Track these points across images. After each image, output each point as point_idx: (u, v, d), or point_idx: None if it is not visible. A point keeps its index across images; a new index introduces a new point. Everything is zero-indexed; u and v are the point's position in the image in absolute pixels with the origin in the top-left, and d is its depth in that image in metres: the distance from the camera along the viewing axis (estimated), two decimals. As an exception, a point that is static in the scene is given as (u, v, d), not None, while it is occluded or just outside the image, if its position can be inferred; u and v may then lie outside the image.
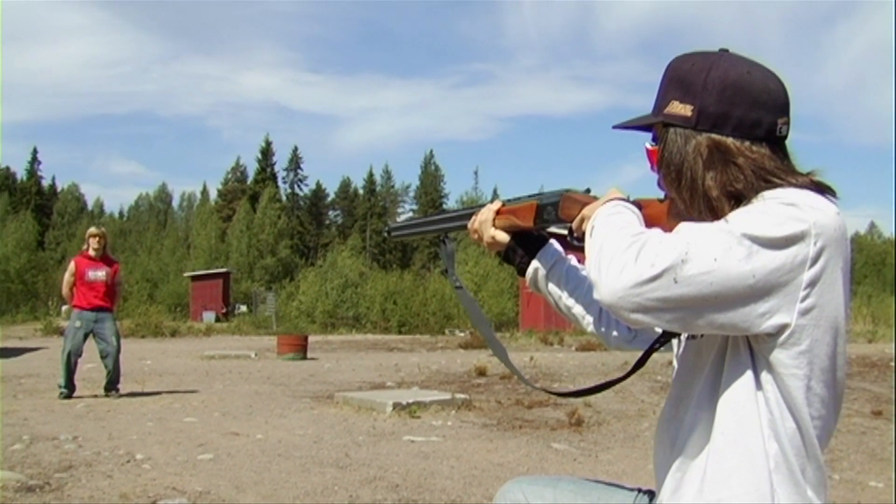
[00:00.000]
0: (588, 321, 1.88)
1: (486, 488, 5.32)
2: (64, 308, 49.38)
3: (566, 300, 1.89)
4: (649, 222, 1.48)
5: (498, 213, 1.88)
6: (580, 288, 1.87)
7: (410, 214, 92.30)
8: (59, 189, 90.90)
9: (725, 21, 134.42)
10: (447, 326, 35.83)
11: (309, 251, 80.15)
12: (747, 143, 1.41)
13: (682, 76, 1.47)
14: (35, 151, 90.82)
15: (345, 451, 6.48)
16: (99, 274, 9.94)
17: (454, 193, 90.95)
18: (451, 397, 9.18)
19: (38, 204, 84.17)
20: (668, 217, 1.52)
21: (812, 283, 1.28)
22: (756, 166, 1.39)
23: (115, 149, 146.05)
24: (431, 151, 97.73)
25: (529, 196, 1.83)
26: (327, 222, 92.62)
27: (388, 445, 6.76)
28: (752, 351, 1.36)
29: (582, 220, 1.64)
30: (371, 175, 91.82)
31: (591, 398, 9.37)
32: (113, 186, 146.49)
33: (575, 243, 1.69)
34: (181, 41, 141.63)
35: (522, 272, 1.92)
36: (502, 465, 6.07)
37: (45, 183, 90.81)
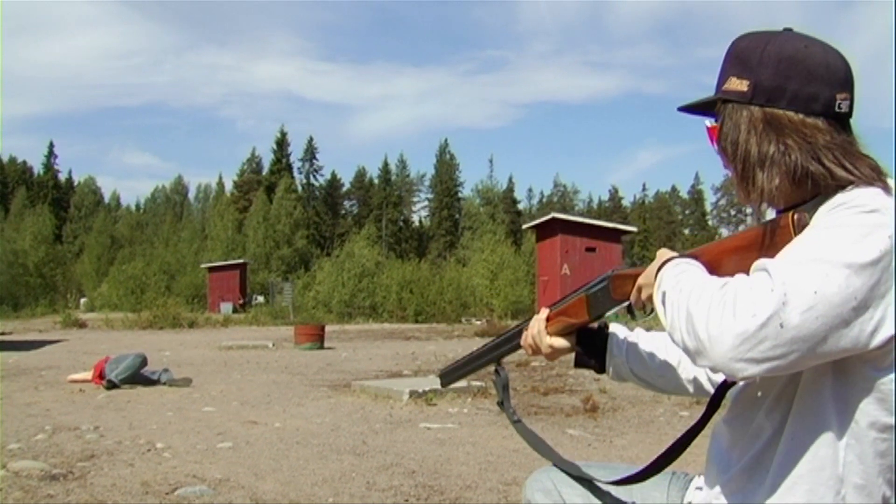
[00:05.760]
0: (687, 389, 1.84)
1: (501, 474, 5.37)
2: (83, 301, 49.94)
3: (657, 379, 1.86)
4: (710, 270, 1.41)
5: (548, 319, 1.81)
6: (655, 359, 1.84)
7: (426, 203, 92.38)
8: (75, 182, 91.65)
9: (743, 3, 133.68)
10: (464, 315, 35.93)
11: (325, 241, 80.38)
12: (801, 117, 1.40)
13: (740, 52, 1.48)
14: (51, 145, 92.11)
15: (362, 438, 6.55)
16: None
17: (469, 182, 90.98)
18: (466, 385, 9.21)
19: (55, 198, 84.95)
20: (762, 245, 1.39)
21: None
22: (808, 141, 1.38)
23: (130, 141, 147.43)
24: (446, 140, 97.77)
25: (574, 292, 1.75)
26: (343, 212, 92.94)
27: (405, 433, 6.83)
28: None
29: (639, 291, 1.57)
30: (386, 164, 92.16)
31: (606, 383, 9.41)
32: (129, 178, 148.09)
33: (637, 318, 1.65)
34: (193, 31, 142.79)
35: (601, 371, 1.89)
36: (517, 451, 6.12)
37: (62, 176, 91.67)
